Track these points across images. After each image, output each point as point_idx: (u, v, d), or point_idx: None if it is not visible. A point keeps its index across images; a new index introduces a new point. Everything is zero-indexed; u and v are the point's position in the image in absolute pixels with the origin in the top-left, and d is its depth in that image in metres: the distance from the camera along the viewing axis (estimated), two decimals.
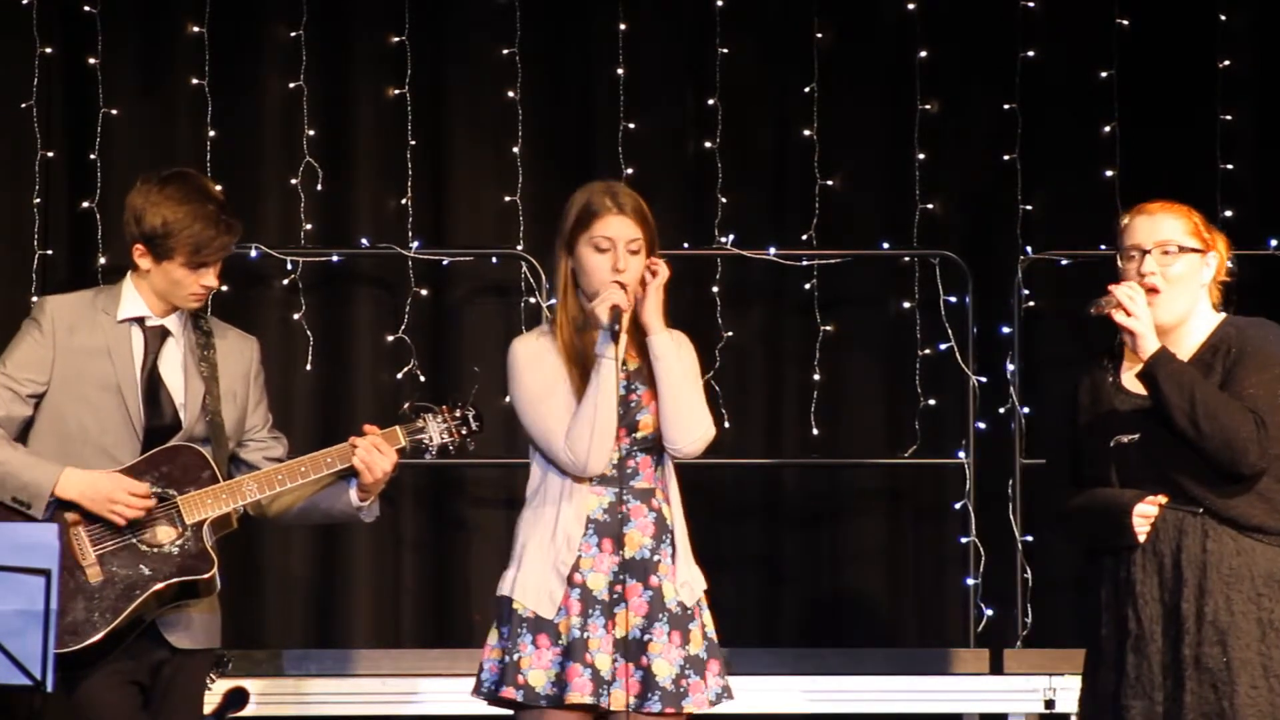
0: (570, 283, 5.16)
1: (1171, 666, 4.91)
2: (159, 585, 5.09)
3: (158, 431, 5.20)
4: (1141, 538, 4.93)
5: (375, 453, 5.20)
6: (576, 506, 5.09)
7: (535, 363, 5.14)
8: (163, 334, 5.26)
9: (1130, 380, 5.05)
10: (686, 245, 7.78)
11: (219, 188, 5.44)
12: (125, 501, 5.09)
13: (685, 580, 5.14)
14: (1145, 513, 4.94)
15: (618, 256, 5.09)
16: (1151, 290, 4.98)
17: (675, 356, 5.12)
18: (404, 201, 7.80)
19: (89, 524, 5.12)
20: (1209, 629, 4.88)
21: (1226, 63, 7.93)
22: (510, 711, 5.15)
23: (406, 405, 5.34)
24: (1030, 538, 7.52)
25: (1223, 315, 5.08)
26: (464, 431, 5.32)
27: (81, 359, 5.20)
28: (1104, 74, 7.91)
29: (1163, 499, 4.94)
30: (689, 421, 5.11)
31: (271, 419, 5.44)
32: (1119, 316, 4.94)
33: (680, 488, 5.24)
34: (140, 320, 5.24)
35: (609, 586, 5.07)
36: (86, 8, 7.67)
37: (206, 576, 5.14)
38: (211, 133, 7.72)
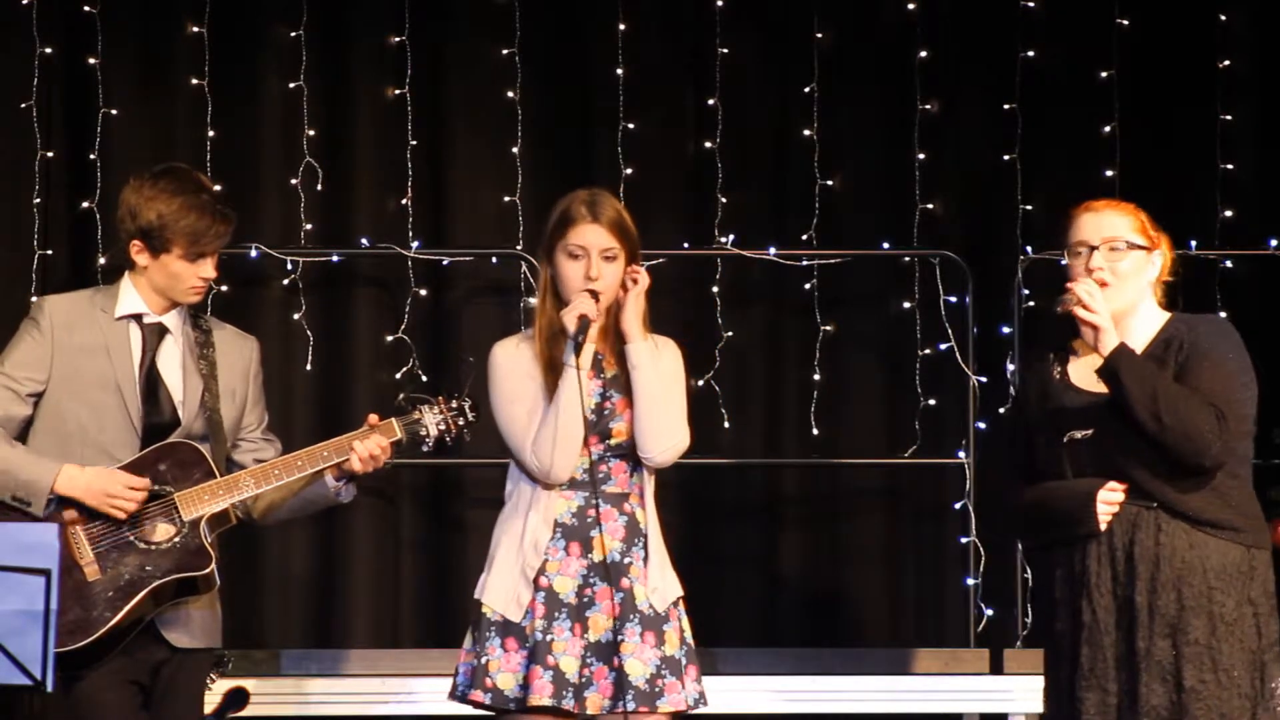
0: (549, 289, 5.19)
1: (1125, 659, 4.93)
2: (157, 582, 5.09)
3: (156, 429, 5.20)
4: (1104, 525, 4.95)
5: (376, 450, 5.21)
6: (545, 510, 5.12)
7: (511, 368, 5.17)
8: (160, 331, 5.26)
9: (1080, 376, 5.08)
10: (686, 245, 7.79)
11: (217, 187, 5.44)
12: (123, 495, 5.09)
13: (656, 586, 5.14)
14: (1109, 499, 4.96)
15: (590, 264, 5.11)
16: (1100, 285, 5.02)
17: (652, 366, 5.13)
18: (404, 201, 7.81)
19: (87, 523, 5.11)
20: (1160, 622, 4.90)
21: (1226, 63, 7.93)
22: (490, 713, 5.16)
23: (401, 397, 5.32)
24: None
25: (1170, 314, 5.11)
26: (460, 422, 5.31)
27: (80, 357, 5.20)
28: (1104, 74, 7.91)
29: (1124, 486, 4.95)
30: (661, 431, 5.13)
31: (267, 420, 5.43)
32: (1081, 313, 4.98)
33: (669, 489, 5.25)
34: (138, 317, 5.24)
35: (577, 590, 5.09)
36: (86, 8, 7.67)
37: (205, 572, 5.13)
38: (211, 133, 7.73)
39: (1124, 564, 4.95)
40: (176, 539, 5.13)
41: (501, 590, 5.10)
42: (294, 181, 7.78)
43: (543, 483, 5.12)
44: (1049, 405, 5.08)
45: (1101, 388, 4.98)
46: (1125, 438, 4.93)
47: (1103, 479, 4.96)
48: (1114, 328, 4.97)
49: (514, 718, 5.08)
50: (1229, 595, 4.91)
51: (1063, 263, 5.14)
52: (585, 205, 5.16)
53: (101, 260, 7.55)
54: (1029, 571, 7.51)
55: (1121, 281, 5.04)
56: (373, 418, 5.25)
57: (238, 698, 5.52)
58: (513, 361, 5.17)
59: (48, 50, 7.67)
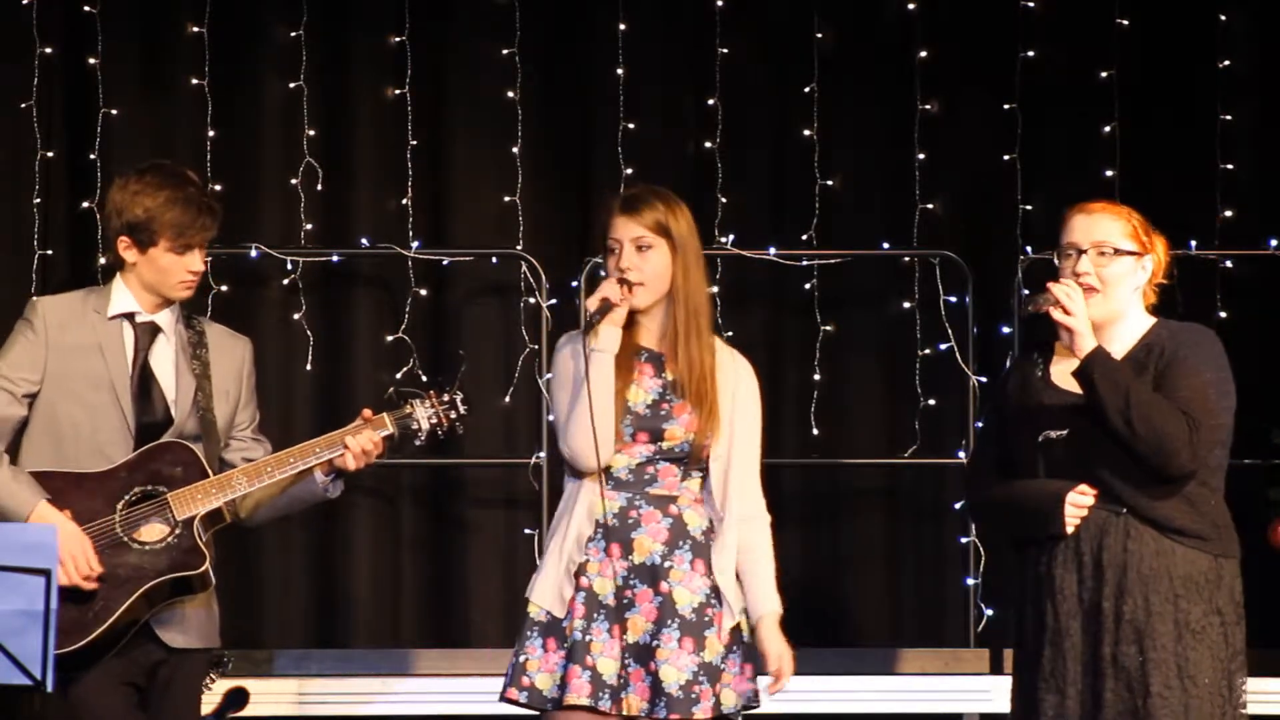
0: None
1: (1090, 664, 4.92)
2: (151, 582, 5.08)
3: (150, 428, 5.19)
4: (1071, 528, 4.93)
5: (368, 445, 5.21)
6: (589, 508, 5.11)
7: (567, 357, 5.18)
8: (153, 330, 5.25)
9: (1060, 376, 5.05)
10: None
11: (218, 187, 5.45)
12: (76, 565, 5.05)
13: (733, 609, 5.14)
14: (1078, 502, 4.94)
15: (620, 256, 5.13)
16: (1087, 289, 4.99)
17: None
18: (404, 201, 7.81)
19: (81, 524, 5.10)
20: (1126, 628, 4.88)
21: (1226, 63, 7.93)
22: (535, 712, 5.16)
23: (391, 391, 5.32)
24: None
25: (1155, 319, 5.07)
26: (452, 415, 5.29)
27: (73, 357, 5.19)
28: (1104, 74, 7.91)
29: (1094, 491, 4.94)
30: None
31: (259, 419, 5.41)
32: (1057, 314, 4.95)
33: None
34: (130, 316, 5.24)
35: (617, 592, 5.08)
36: (86, 8, 7.68)
37: (199, 571, 5.12)
38: (211, 133, 7.73)
39: (1091, 569, 4.93)
40: (170, 539, 5.13)
41: (548, 586, 5.09)
42: (294, 181, 7.78)
43: (577, 471, 5.11)
44: (1029, 403, 5.07)
45: (1080, 389, 4.97)
46: (1099, 441, 4.91)
47: (1075, 481, 4.95)
48: (1091, 331, 4.94)
49: (550, 716, 5.07)
50: (1195, 604, 4.89)
51: (1056, 263, 5.12)
52: (618, 200, 5.20)
53: (101, 260, 7.54)
54: None
55: (1108, 287, 5.00)
56: (366, 412, 5.25)
57: (238, 698, 5.52)
58: (567, 348, 5.20)
59: (48, 50, 7.68)
